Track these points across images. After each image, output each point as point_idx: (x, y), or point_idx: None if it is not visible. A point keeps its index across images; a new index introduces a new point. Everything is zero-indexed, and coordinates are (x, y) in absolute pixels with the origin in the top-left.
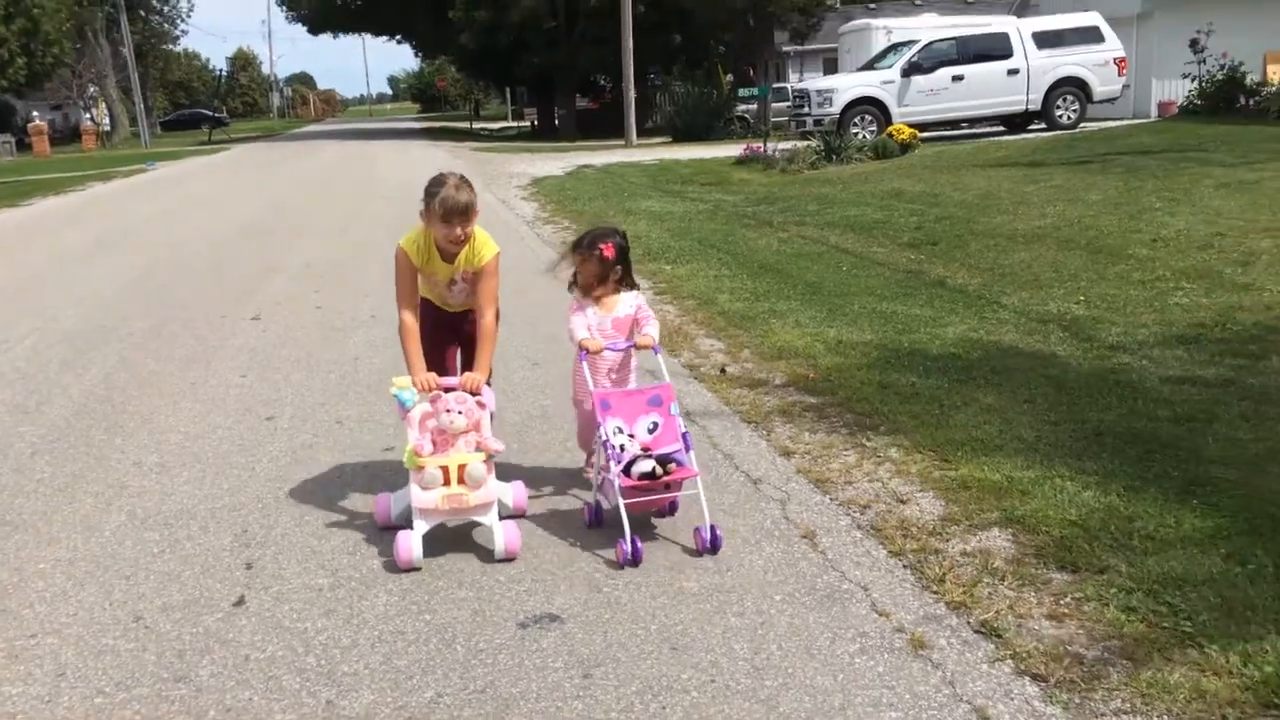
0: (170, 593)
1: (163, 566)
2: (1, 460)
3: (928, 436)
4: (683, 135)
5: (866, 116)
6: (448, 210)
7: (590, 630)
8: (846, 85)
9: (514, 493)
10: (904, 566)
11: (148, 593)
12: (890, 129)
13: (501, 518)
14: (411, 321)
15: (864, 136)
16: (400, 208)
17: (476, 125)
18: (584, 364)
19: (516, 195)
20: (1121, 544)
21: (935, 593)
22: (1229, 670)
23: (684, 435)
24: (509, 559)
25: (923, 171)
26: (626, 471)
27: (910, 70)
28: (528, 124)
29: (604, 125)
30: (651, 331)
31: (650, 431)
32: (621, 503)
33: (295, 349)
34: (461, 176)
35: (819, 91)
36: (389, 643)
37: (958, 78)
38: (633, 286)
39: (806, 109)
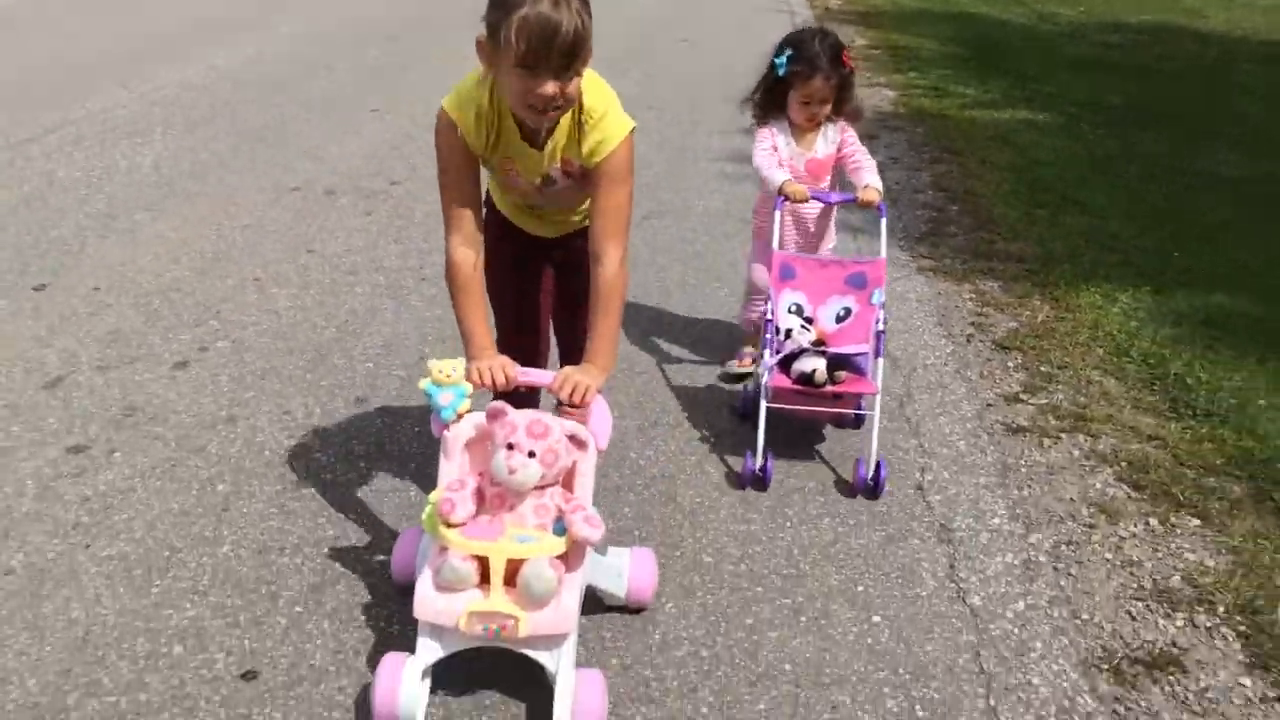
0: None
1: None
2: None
3: (896, 58)
4: None
5: None
6: (534, 43)
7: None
8: None
9: (631, 568)
10: None
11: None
12: None
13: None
14: (466, 260)
15: None
16: None
17: None
18: (777, 214)
19: None
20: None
21: None
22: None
23: (878, 334)
24: None
25: None
26: (784, 366)
27: None
28: None
29: None
30: (874, 182)
31: (838, 320)
32: (764, 404)
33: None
34: None
35: None
36: None
37: None
38: (841, 114)
39: None
